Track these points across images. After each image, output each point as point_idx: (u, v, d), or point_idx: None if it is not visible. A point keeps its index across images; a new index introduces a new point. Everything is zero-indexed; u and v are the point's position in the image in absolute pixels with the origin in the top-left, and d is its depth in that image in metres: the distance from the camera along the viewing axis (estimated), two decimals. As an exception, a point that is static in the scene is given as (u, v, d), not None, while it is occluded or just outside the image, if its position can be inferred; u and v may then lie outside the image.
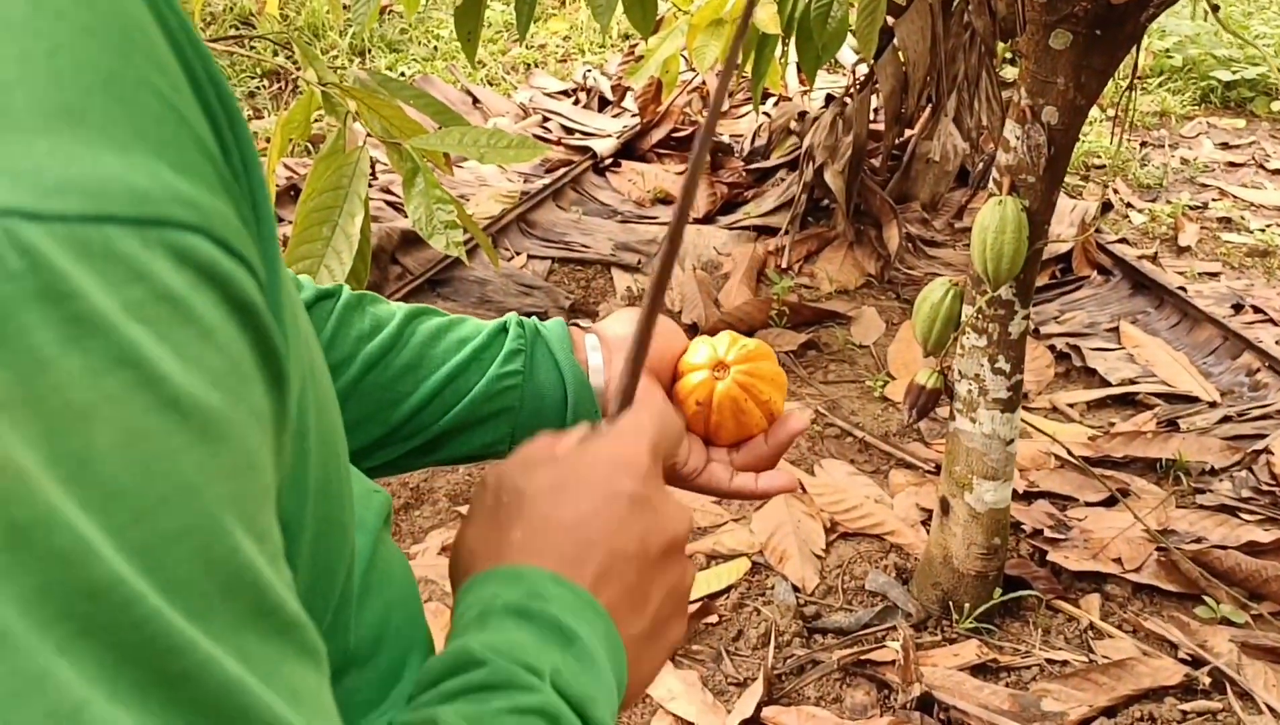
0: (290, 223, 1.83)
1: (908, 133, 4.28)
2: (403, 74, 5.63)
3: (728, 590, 2.54)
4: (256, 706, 0.36)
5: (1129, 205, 4.74)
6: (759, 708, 2.18)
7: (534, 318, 0.91)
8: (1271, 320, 3.75)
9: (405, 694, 0.63)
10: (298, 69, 2.02)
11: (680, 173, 4.69)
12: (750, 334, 3.55)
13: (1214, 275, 4.19)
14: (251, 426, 0.38)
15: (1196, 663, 2.30)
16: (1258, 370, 3.39)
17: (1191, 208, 4.74)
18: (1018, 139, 2.00)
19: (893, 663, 2.28)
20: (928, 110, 4.17)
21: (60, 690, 0.32)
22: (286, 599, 0.39)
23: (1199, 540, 2.66)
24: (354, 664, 0.60)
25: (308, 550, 0.48)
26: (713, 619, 2.47)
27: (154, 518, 0.34)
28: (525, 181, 4.57)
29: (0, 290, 0.32)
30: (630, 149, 4.89)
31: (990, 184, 2.08)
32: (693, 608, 2.42)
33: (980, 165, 4.29)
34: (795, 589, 2.54)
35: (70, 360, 0.33)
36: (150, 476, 0.34)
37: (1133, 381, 3.39)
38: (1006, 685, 2.27)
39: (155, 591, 0.34)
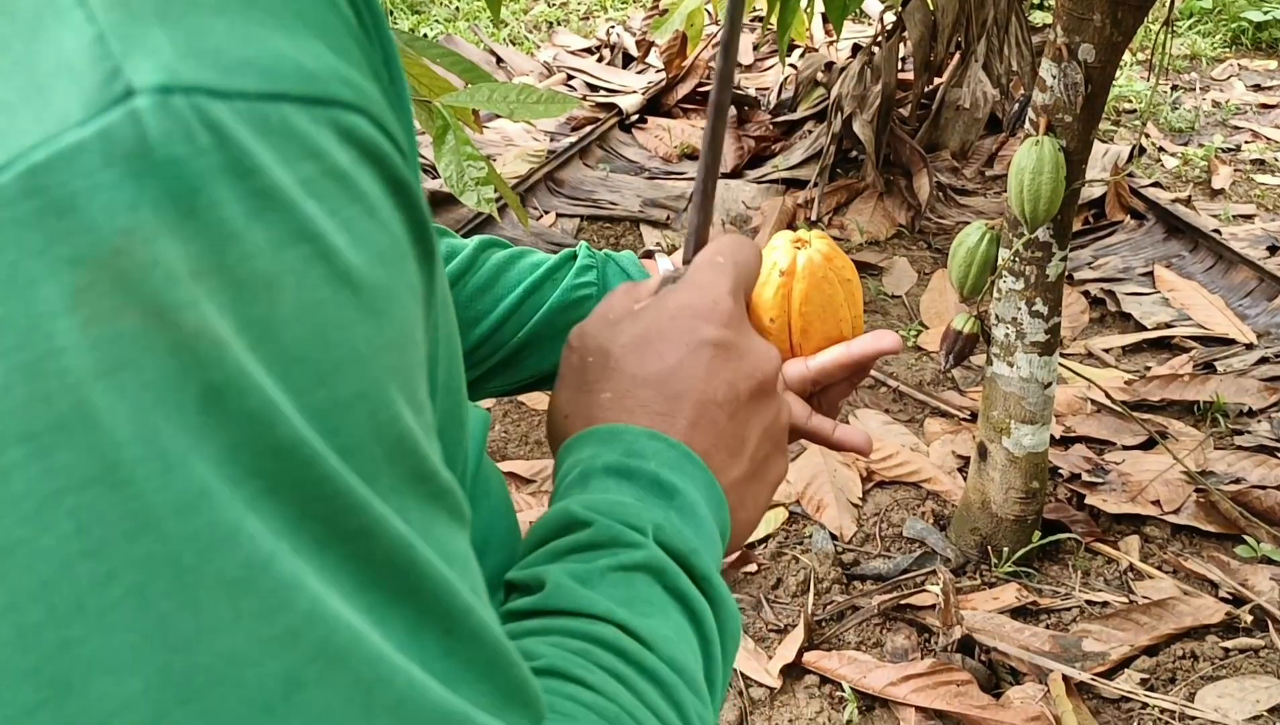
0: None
1: (936, 80, 4.25)
2: (425, 35, 5.61)
3: (765, 540, 2.55)
4: (421, 563, 0.38)
5: (1161, 149, 4.70)
6: (800, 653, 2.20)
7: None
8: (1307, 261, 3.72)
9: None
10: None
11: (707, 127, 4.67)
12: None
13: (1248, 217, 4.15)
14: (409, 301, 0.40)
15: (1238, 601, 2.30)
16: (1294, 311, 3.36)
17: (1224, 150, 4.69)
18: (1054, 78, 1.99)
19: (932, 607, 2.29)
20: (956, 57, 4.14)
21: (252, 543, 0.34)
22: (439, 466, 0.41)
23: (1238, 481, 2.65)
24: None
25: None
26: (751, 568, 2.48)
27: (330, 384, 0.36)
28: (551, 140, 4.57)
29: (192, 165, 0.33)
30: (656, 105, 4.88)
31: (1026, 124, 2.06)
32: (732, 556, 2.44)
33: (1013, 110, 4.26)
34: (833, 537, 2.55)
35: (255, 233, 0.34)
36: (327, 345, 0.36)
37: (1168, 325, 3.38)
38: (1047, 627, 2.27)
39: (333, 453, 0.36)
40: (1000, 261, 2.18)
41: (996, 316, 2.27)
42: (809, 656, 2.20)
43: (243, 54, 0.35)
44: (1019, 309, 2.22)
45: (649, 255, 0.92)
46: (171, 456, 0.33)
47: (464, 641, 0.39)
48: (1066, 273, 2.26)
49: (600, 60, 5.55)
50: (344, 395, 0.36)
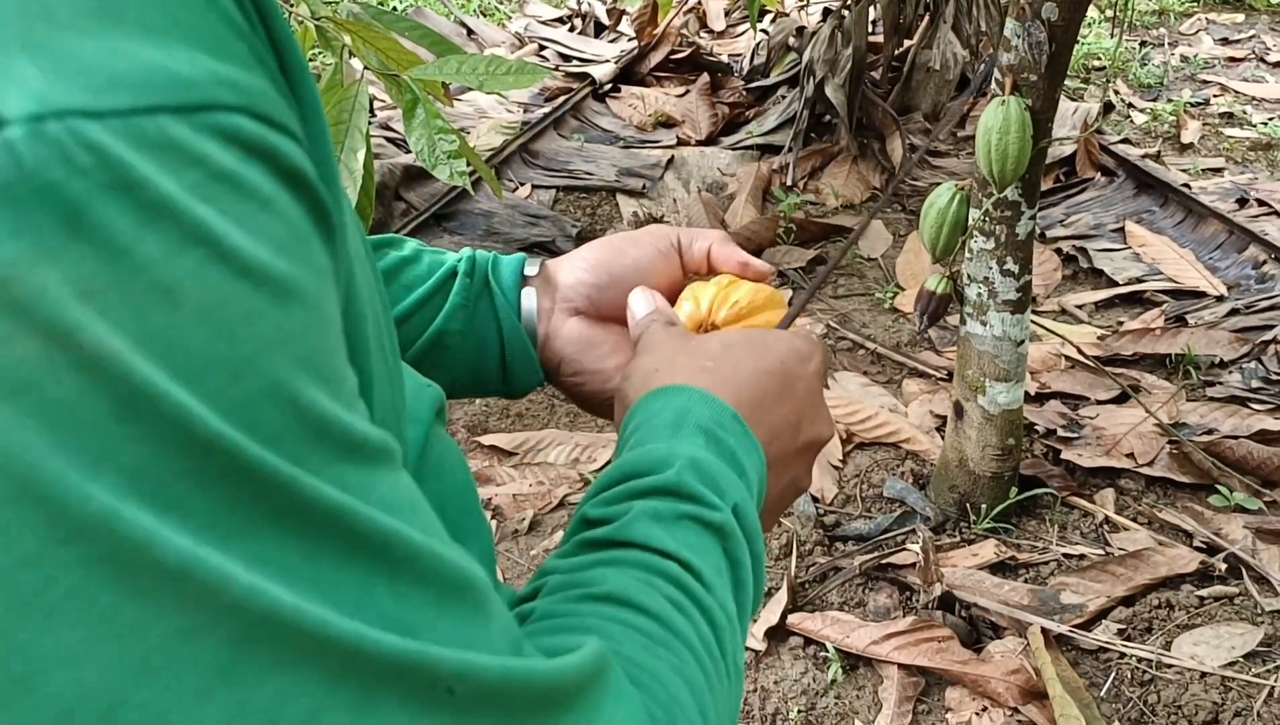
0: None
1: (907, 43, 4.26)
2: (394, 8, 5.59)
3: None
4: (360, 520, 0.39)
5: (1130, 105, 4.72)
6: (784, 615, 2.23)
7: (491, 255, 0.92)
8: (1276, 212, 3.75)
9: None
10: (290, 4, 2.01)
11: (680, 96, 4.67)
12: (758, 252, 3.56)
13: (1218, 171, 4.18)
14: (318, 285, 0.41)
15: (1212, 550, 2.34)
16: (1264, 262, 3.40)
17: (1193, 105, 4.72)
18: (1018, 37, 2.01)
19: (913, 565, 2.33)
20: (926, 19, 4.15)
21: (188, 535, 0.35)
22: (369, 431, 0.42)
23: (1210, 432, 2.69)
24: None
25: (377, 399, 0.51)
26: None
27: (243, 379, 0.37)
28: (525, 112, 4.56)
29: (75, 186, 0.34)
30: (629, 73, 4.87)
31: (993, 85, 2.08)
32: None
33: (984, 70, 4.27)
34: (814, 499, 2.58)
35: (148, 244, 0.35)
36: (234, 341, 0.37)
37: (1140, 280, 3.41)
38: (1025, 581, 2.31)
39: (256, 443, 0.37)
40: (970, 222, 2.20)
41: (968, 276, 2.29)
42: (793, 618, 2.23)
43: (113, 71, 0.36)
44: (990, 268, 2.24)
45: (549, 249, 0.94)
46: (90, 469, 0.34)
47: (413, 585, 0.41)
48: (1038, 231, 2.29)
49: (572, 30, 5.54)
50: (258, 387, 0.37)
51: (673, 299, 0.88)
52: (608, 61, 4.95)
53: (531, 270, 0.90)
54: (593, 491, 0.65)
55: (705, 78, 4.70)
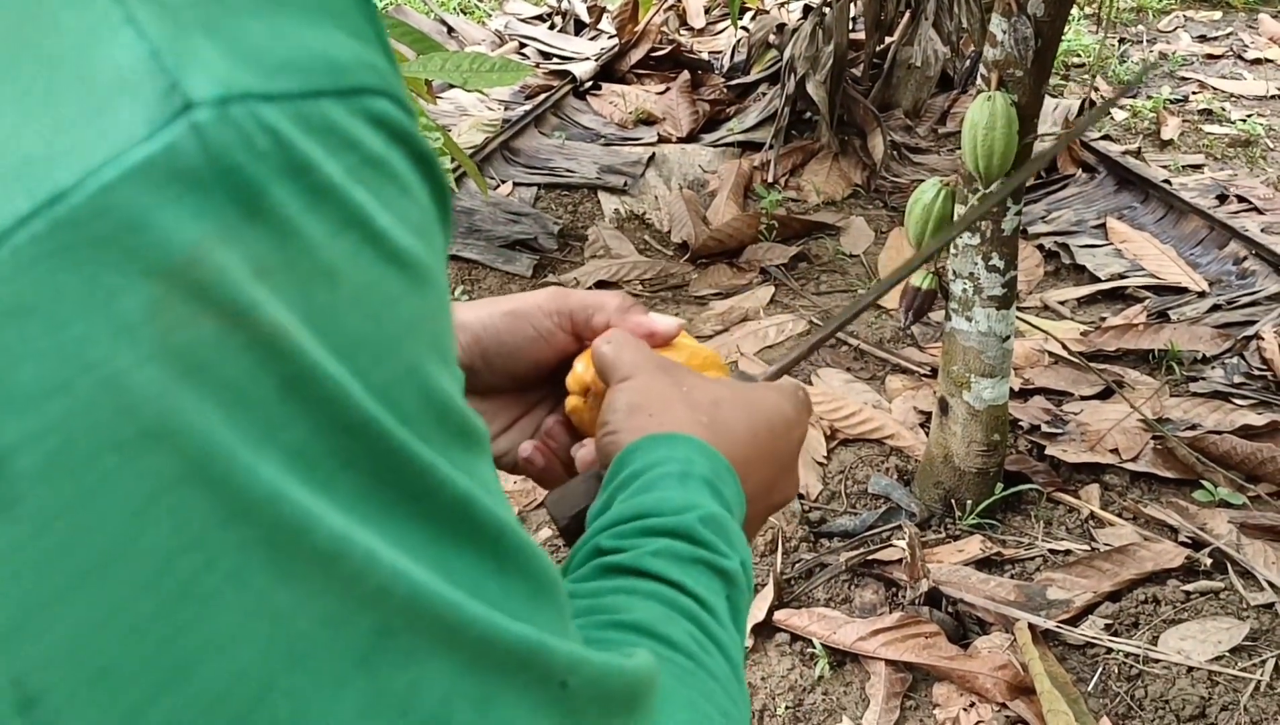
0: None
1: (888, 39, 4.26)
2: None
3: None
4: (480, 512, 0.40)
5: (1110, 102, 4.74)
6: (770, 611, 2.22)
7: None
8: (1256, 208, 3.77)
9: None
10: None
11: (661, 93, 4.67)
12: (739, 250, 3.56)
13: (1197, 167, 4.20)
14: (441, 267, 0.42)
15: (1197, 545, 2.34)
16: (1244, 258, 3.41)
17: (1172, 102, 4.74)
18: (1004, 33, 2.00)
19: (899, 561, 2.32)
20: (907, 15, 4.15)
21: (341, 515, 0.36)
22: (472, 415, 0.43)
23: (1194, 427, 2.70)
24: None
25: None
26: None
27: (387, 360, 0.38)
28: (506, 109, 4.55)
29: (253, 170, 0.35)
30: (609, 71, 4.86)
31: (979, 80, 2.08)
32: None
33: (965, 67, 4.28)
34: (800, 495, 2.57)
35: (313, 226, 0.36)
36: (381, 323, 0.38)
37: (1122, 276, 3.42)
38: (1011, 577, 2.31)
39: (398, 424, 0.38)
40: (955, 217, 2.20)
41: (954, 272, 2.29)
42: (779, 615, 2.22)
43: (282, 54, 0.36)
44: (976, 264, 2.24)
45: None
46: (257, 448, 0.34)
47: (516, 576, 0.42)
48: (1021, 227, 2.29)
49: (552, 27, 5.52)
50: (399, 368, 0.38)
51: (566, 367, 0.84)
52: (588, 59, 4.94)
53: None
54: (604, 523, 0.65)
55: (686, 75, 4.69)
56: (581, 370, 0.84)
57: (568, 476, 0.88)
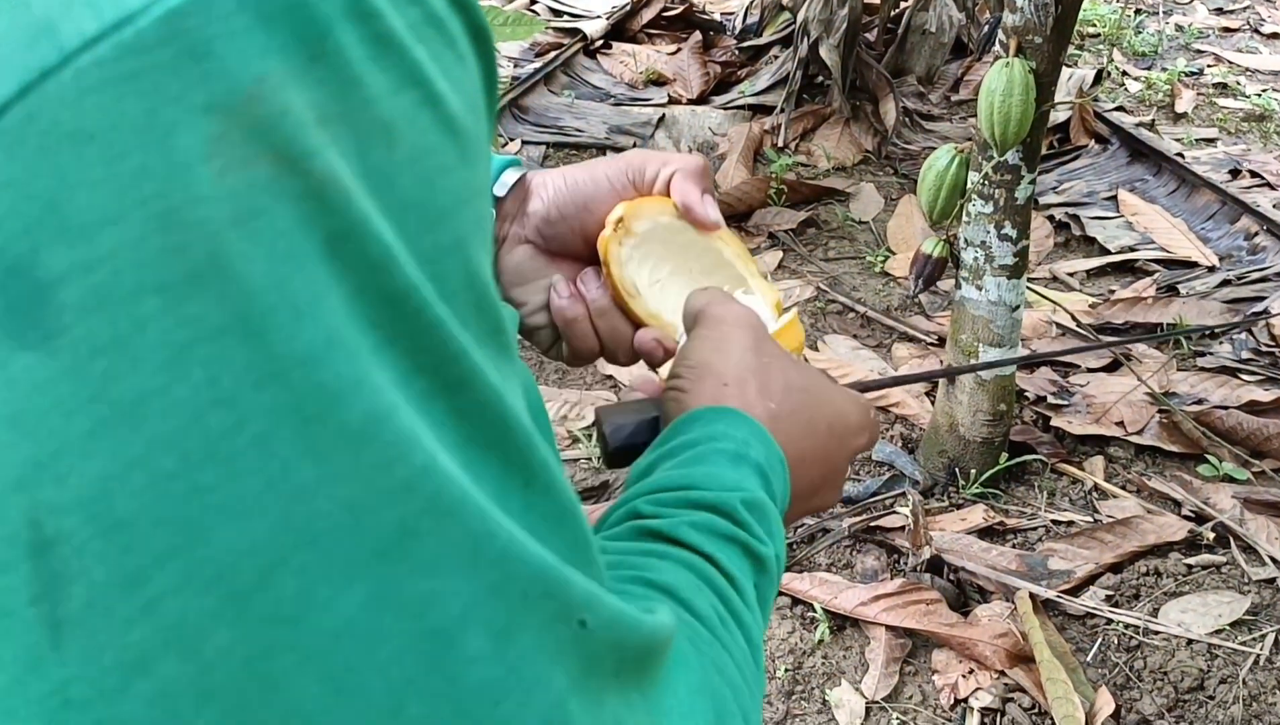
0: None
1: (902, 4, 4.22)
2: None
3: (737, 464, 2.57)
4: (508, 415, 0.39)
5: (1125, 73, 4.70)
6: (772, 575, 2.22)
7: None
8: (1269, 184, 3.75)
9: None
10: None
11: (672, 54, 4.63)
12: (748, 214, 3.55)
13: (1211, 141, 4.17)
14: (486, 147, 0.41)
15: (1200, 519, 2.34)
16: (1255, 234, 3.40)
17: (1187, 74, 4.70)
18: None
19: (902, 528, 2.32)
20: (922, -19, 4.11)
21: (373, 395, 0.34)
22: (503, 312, 0.41)
23: (1200, 401, 2.69)
24: None
25: None
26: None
27: (436, 229, 0.37)
28: (515, 66, 4.51)
29: (320, 9, 0.33)
30: (620, 30, 4.83)
31: (996, 47, 2.06)
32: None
33: (981, 33, 4.24)
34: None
35: (375, 77, 0.35)
36: (433, 190, 0.36)
37: (1132, 249, 3.40)
38: (1014, 546, 2.31)
39: (439, 299, 0.36)
40: (969, 185, 2.19)
41: (965, 240, 2.28)
42: (781, 578, 2.22)
43: None
44: (988, 232, 2.23)
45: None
46: (300, 306, 0.33)
47: (541, 494, 0.40)
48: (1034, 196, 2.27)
49: (563, -16, 5.48)
50: (446, 241, 0.37)
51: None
52: (599, 17, 4.90)
53: (502, 191, 0.87)
54: (647, 487, 0.64)
55: (697, 36, 4.66)
56: (619, 209, 0.85)
57: (595, 337, 0.86)
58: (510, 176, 0.87)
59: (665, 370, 0.84)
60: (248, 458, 0.33)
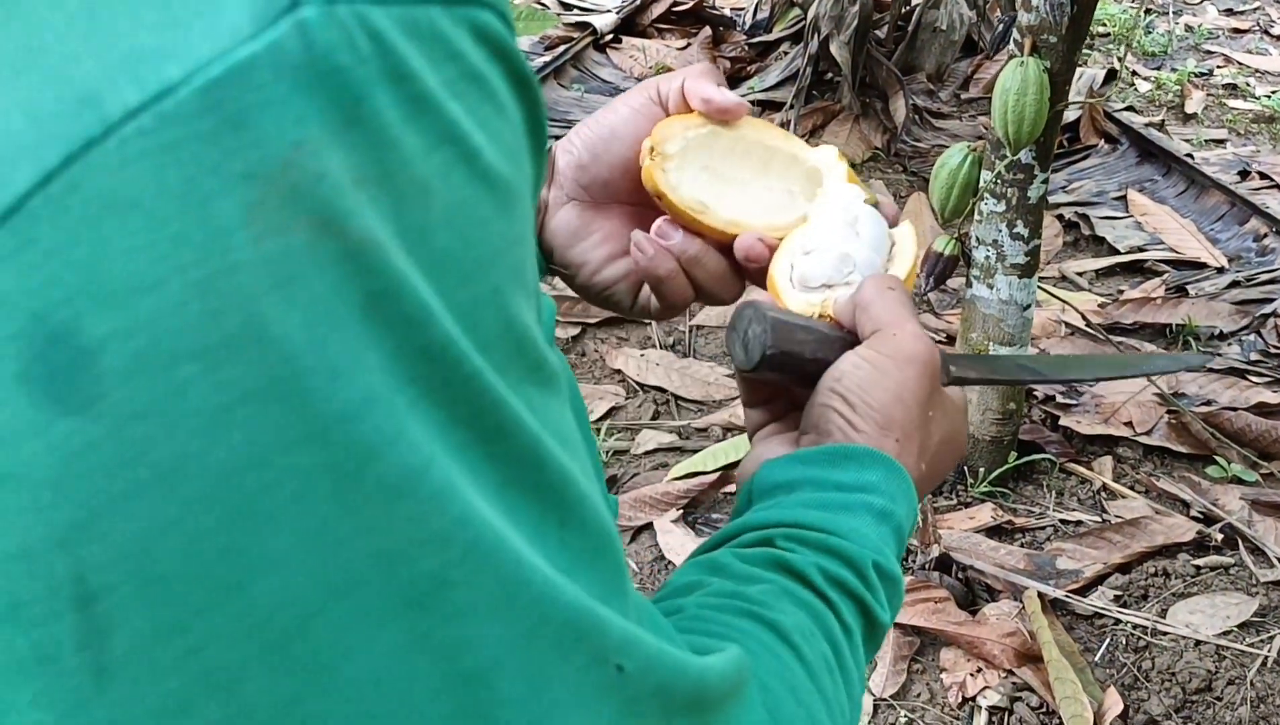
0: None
1: (913, 1, 4.22)
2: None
3: (745, 460, 2.57)
4: (546, 457, 0.39)
5: (1135, 73, 4.70)
6: (781, 571, 2.23)
7: None
8: (1278, 185, 3.74)
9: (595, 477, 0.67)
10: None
11: (682, 49, 4.63)
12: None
13: (1220, 142, 4.17)
14: (528, 195, 0.41)
15: (1209, 520, 2.34)
16: (1265, 235, 3.39)
17: (1197, 75, 4.70)
18: (1040, -1, 1.98)
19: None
20: (934, -22, 4.11)
21: (409, 449, 0.35)
22: (549, 352, 0.41)
23: (1209, 402, 2.69)
24: None
25: None
26: (732, 488, 2.50)
27: (473, 282, 0.37)
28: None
29: (355, 74, 0.34)
30: (630, 24, 4.82)
31: (1011, 45, 2.06)
32: (712, 477, 2.46)
33: (995, 31, 4.24)
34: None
35: (411, 137, 0.35)
36: (469, 243, 0.37)
37: (1141, 249, 3.40)
38: (1022, 546, 2.31)
39: (476, 351, 0.36)
40: (982, 184, 2.19)
41: (977, 239, 2.28)
42: (789, 575, 2.22)
43: None
44: (1000, 231, 2.23)
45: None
46: (338, 366, 0.33)
47: (577, 532, 0.40)
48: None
49: (573, -21, 5.47)
50: (483, 292, 0.37)
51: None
52: (609, 11, 4.90)
53: None
54: (788, 518, 0.64)
55: (707, 31, 4.65)
56: (646, 141, 0.82)
57: (690, 286, 0.83)
58: None
59: (775, 269, 0.82)
60: (285, 514, 0.34)
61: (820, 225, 0.83)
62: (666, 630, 0.48)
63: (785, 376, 0.74)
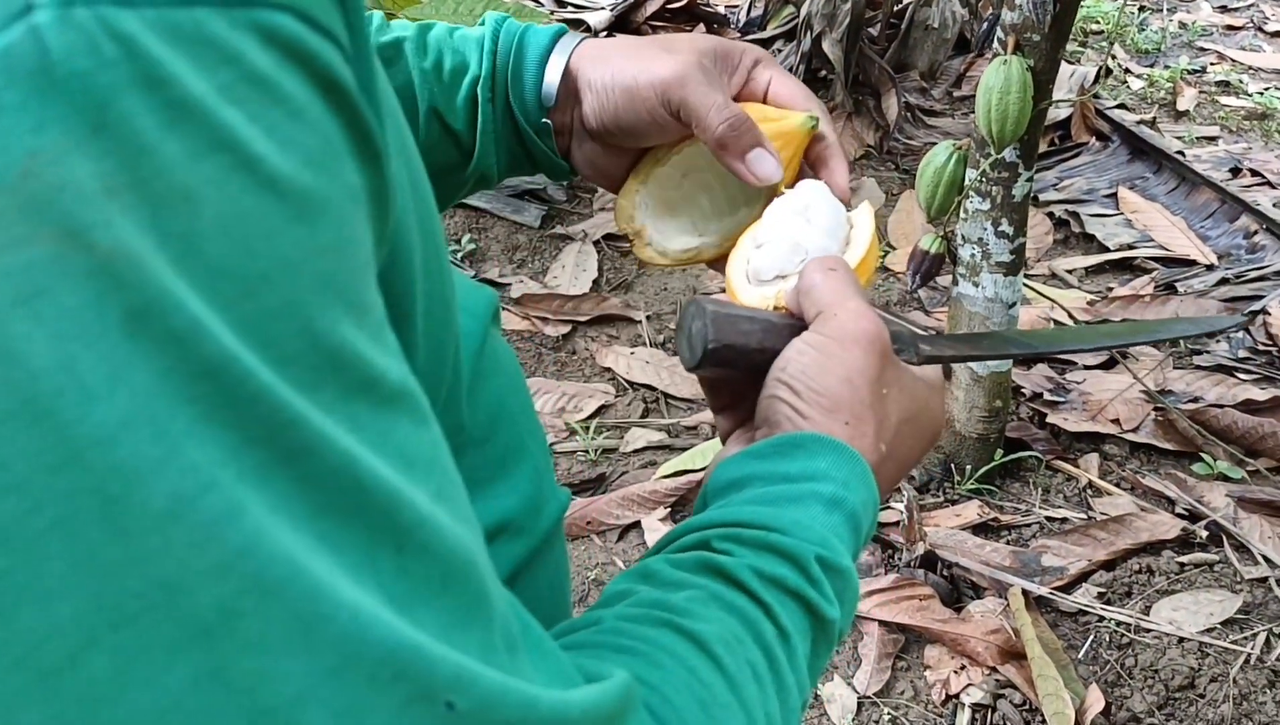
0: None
1: (905, -1, 4.22)
2: (389, -51, 5.52)
3: (733, 457, 2.58)
4: (370, 478, 0.37)
5: (1127, 71, 4.70)
6: (767, 569, 2.23)
7: (510, 61, 0.86)
8: (1269, 183, 3.75)
9: (529, 475, 0.65)
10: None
11: (675, 45, 4.63)
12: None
13: (1212, 139, 4.17)
14: (346, 204, 0.39)
15: (1194, 517, 2.35)
16: (1255, 232, 3.40)
17: (1190, 72, 4.70)
18: (1023, -2, 1.99)
19: (896, 524, 2.33)
20: (925, -24, 4.11)
21: (188, 472, 0.33)
22: (390, 367, 0.39)
23: (1196, 400, 2.70)
24: (470, 444, 0.62)
25: (421, 324, 0.49)
26: (719, 485, 2.51)
27: (258, 294, 0.35)
28: (518, 57, 4.51)
29: (98, 79, 0.32)
30: (624, 21, 4.82)
31: (995, 44, 2.06)
32: (699, 475, 2.47)
33: (983, 29, 4.24)
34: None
35: (170, 145, 0.33)
36: (252, 254, 0.35)
37: (1131, 246, 3.40)
38: (1007, 543, 2.32)
39: (266, 366, 0.34)
40: (967, 182, 2.19)
41: (963, 237, 2.28)
42: (775, 572, 2.23)
43: None
44: (985, 229, 2.23)
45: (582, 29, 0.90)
46: (92, 386, 0.32)
47: (417, 558, 0.38)
48: (1032, 194, 2.28)
49: (567, -24, 5.47)
50: (273, 304, 0.35)
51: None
52: (603, 8, 4.90)
53: (553, 83, 0.84)
54: (730, 517, 0.62)
55: (701, 28, 4.65)
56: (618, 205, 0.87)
57: None
58: (552, 74, 0.85)
59: (730, 267, 0.83)
60: (48, 541, 0.32)
61: (772, 217, 0.83)
62: (551, 657, 0.45)
63: (736, 371, 0.73)
